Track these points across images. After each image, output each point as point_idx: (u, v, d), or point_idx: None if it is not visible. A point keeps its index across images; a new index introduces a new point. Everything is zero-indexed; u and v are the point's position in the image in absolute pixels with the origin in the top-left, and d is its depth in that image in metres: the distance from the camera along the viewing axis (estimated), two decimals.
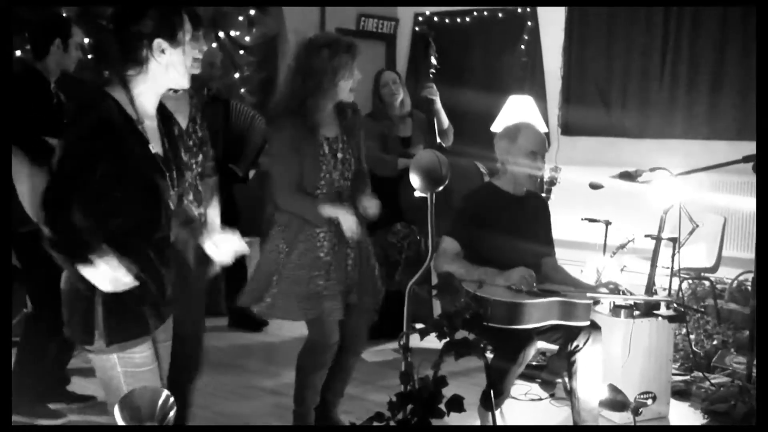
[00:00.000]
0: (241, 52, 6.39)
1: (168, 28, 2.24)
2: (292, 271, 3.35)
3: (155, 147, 2.28)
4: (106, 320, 2.20)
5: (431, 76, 5.18)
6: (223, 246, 2.50)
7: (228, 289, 5.47)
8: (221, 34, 6.22)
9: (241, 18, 6.34)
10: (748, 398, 3.01)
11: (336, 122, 3.41)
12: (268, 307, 3.40)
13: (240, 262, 5.41)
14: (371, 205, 3.40)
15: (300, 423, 3.55)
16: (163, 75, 2.27)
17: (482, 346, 3.33)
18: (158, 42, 2.23)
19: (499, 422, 3.54)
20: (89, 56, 5.00)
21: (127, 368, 2.25)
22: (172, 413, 1.95)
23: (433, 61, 5.19)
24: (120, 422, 1.87)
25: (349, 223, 3.27)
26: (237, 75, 6.30)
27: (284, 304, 3.36)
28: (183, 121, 3.12)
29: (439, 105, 5.13)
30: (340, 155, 3.38)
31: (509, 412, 3.96)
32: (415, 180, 2.24)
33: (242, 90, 6.26)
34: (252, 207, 5.62)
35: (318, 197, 3.33)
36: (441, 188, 2.23)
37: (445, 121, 5.19)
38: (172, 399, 1.97)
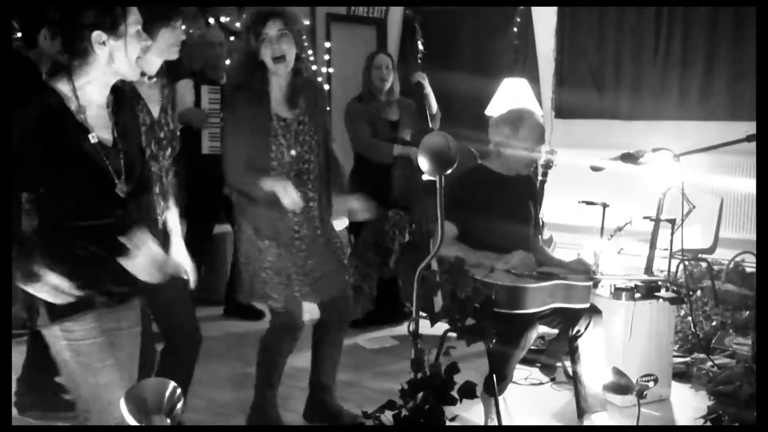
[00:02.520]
0: (232, 38, 6.31)
1: (108, 19, 2.26)
2: (258, 255, 3.32)
3: (101, 135, 2.31)
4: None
5: (419, 60, 5.15)
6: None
7: (232, 279, 5.43)
8: (211, 19, 6.15)
9: None
10: (754, 379, 3.00)
11: (295, 103, 3.32)
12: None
13: None
14: (358, 210, 3.42)
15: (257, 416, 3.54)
16: (106, 66, 2.29)
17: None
18: (98, 34, 2.25)
19: (502, 407, 3.53)
20: None
21: (69, 341, 2.32)
22: (179, 405, 1.92)
23: (420, 46, 5.15)
24: (125, 414, 1.84)
25: (289, 196, 3.15)
26: (228, 61, 6.22)
27: (254, 288, 3.36)
28: (155, 109, 3.05)
29: (429, 89, 5.10)
30: (301, 137, 3.30)
31: (510, 397, 3.95)
32: (423, 163, 2.20)
33: None
34: None
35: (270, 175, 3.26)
36: (450, 171, 2.20)
37: (434, 106, 5.17)
38: (179, 390, 1.93)
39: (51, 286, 2.23)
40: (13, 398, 3.79)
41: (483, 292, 1.99)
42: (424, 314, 2.21)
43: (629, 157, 3.78)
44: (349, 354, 4.61)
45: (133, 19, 2.31)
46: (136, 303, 2.51)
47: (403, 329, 5.12)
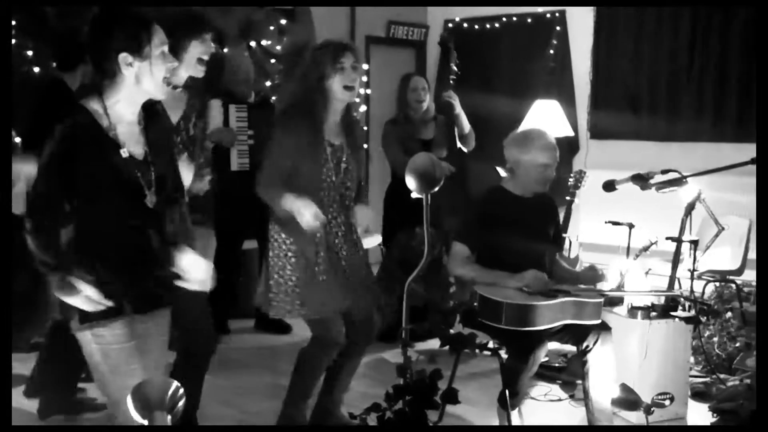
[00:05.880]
0: (272, 60, 6.53)
1: (134, 42, 2.39)
2: (293, 269, 3.45)
3: (132, 150, 2.44)
4: None
5: (451, 82, 5.26)
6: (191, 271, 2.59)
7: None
8: (252, 43, 6.37)
9: (272, 28, 6.49)
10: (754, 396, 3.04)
11: (342, 131, 3.50)
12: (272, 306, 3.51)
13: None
14: (363, 218, 3.51)
15: (288, 417, 3.65)
16: (135, 86, 2.43)
17: (495, 346, 3.42)
18: (124, 56, 2.38)
19: (517, 422, 3.60)
20: None
21: (100, 345, 2.46)
22: (181, 403, 2.06)
23: (454, 67, 5.26)
24: (130, 408, 1.98)
25: (305, 217, 3.25)
26: (268, 83, 6.44)
27: (284, 301, 3.47)
28: (174, 115, 3.21)
29: (459, 109, 5.19)
30: (344, 165, 3.47)
31: (529, 413, 4.01)
32: (410, 182, 2.34)
33: (273, 98, 6.39)
34: None
35: (321, 198, 3.40)
36: (436, 189, 2.32)
37: (466, 126, 5.24)
38: (182, 390, 2.07)
39: (84, 297, 2.37)
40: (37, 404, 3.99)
41: (466, 303, 2.10)
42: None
43: (639, 178, 3.83)
44: (374, 367, 4.73)
45: (158, 41, 2.45)
46: (167, 312, 2.66)
47: (429, 344, 5.21)
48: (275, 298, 3.47)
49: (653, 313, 3.93)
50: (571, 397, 4.30)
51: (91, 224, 2.45)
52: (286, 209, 3.30)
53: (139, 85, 2.43)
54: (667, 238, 4.48)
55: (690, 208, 4.28)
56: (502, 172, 5.34)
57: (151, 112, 2.57)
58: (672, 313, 3.95)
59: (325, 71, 3.35)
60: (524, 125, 6.05)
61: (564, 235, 4.89)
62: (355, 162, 3.52)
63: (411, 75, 5.43)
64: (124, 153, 2.43)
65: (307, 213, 3.22)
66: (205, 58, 3.19)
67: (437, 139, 5.22)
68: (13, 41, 4.93)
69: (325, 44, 3.46)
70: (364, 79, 7.00)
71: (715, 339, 4.65)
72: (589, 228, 6.06)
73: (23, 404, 4.10)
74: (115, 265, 2.46)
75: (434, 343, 3.73)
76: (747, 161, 3.40)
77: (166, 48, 2.48)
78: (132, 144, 2.47)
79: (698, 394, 4.21)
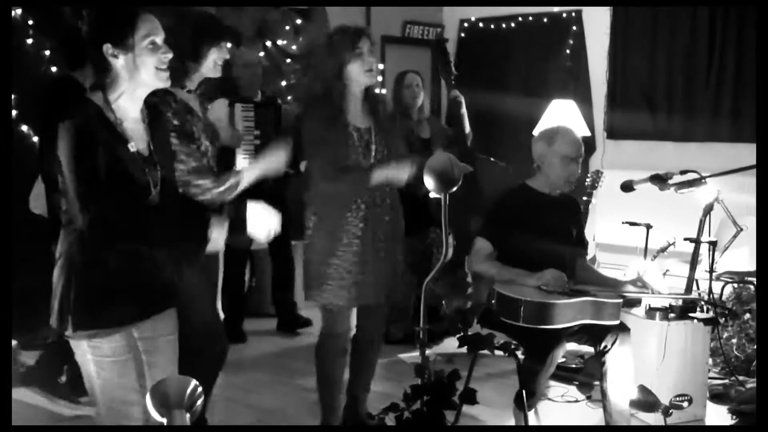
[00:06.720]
0: (288, 60, 6.54)
1: (115, 33, 2.33)
2: (311, 256, 3.49)
3: (138, 146, 2.40)
4: (75, 308, 2.33)
5: (453, 82, 5.25)
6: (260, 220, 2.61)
7: (274, 289, 5.59)
8: (268, 43, 6.39)
9: (287, 27, 6.51)
10: None
11: (367, 114, 3.50)
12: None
13: (285, 262, 5.54)
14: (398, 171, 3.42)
15: (328, 415, 3.61)
16: (130, 80, 2.37)
17: (512, 347, 3.41)
18: (106, 47, 2.33)
19: (534, 422, 3.59)
20: None
21: (95, 356, 2.37)
22: (200, 402, 2.06)
23: (452, 68, 5.26)
24: (150, 409, 1.99)
25: (401, 175, 3.35)
26: (284, 83, 6.46)
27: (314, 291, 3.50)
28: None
29: (464, 109, 5.20)
30: (372, 146, 3.47)
31: (546, 414, 4.00)
32: (428, 182, 2.33)
33: (289, 97, 6.41)
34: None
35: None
36: (454, 189, 2.32)
37: (467, 127, 5.27)
38: (200, 388, 2.07)
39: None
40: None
41: (484, 304, 2.09)
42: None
43: (658, 179, 3.81)
44: (390, 368, 4.74)
45: (144, 32, 2.37)
46: (173, 311, 2.62)
47: (446, 346, 5.20)
48: (305, 274, 3.52)
49: (671, 315, 3.91)
50: (588, 398, 4.29)
51: (98, 221, 2.36)
52: (375, 181, 3.38)
53: (133, 78, 2.37)
54: (685, 239, 4.45)
55: (708, 209, 4.25)
56: (508, 167, 5.37)
57: (153, 111, 2.53)
58: (690, 315, 3.92)
59: (344, 57, 3.37)
60: (541, 125, 6.04)
61: None
62: (386, 143, 3.51)
63: (406, 72, 5.38)
64: (132, 147, 2.39)
65: (401, 172, 3.34)
66: (220, 62, 3.20)
67: (435, 138, 5.21)
68: (31, 41, 4.96)
69: (342, 30, 3.46)
70: (379, 78, 6.98)
71: (734, 341, 4.62)
72: (606, 228, 6.03)
73: (35, 399, 4.13)
74: (119, 267, 2.39)
75: (451, 344, 3.75)
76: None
77: (157, 39, 2.40)
78: (138, 141, 2.42)
79: (717, 396, 4.19)
